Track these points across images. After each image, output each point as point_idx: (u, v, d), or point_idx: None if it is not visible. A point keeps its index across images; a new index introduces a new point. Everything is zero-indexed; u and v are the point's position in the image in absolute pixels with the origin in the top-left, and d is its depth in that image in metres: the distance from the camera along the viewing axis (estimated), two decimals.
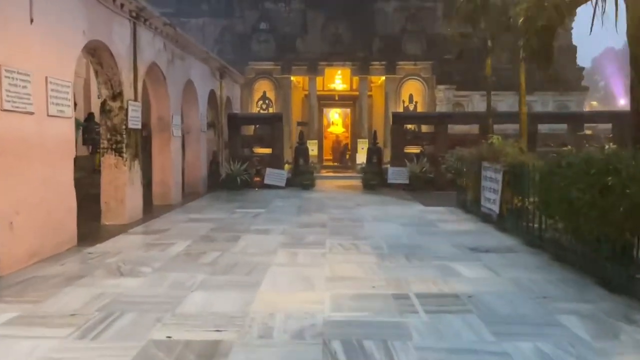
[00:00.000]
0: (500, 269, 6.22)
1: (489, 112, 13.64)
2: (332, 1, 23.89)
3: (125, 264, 6.46)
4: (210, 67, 16.07)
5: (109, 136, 9.36)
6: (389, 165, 17.40)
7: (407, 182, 15.96)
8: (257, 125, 21.09)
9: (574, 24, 29.08)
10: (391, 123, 16.38)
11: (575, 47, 27.75)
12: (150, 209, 11.20)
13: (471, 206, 10.81)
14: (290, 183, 16.21)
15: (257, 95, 24.46)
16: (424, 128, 21.69)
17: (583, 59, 30.79)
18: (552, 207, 6.62)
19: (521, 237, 7.91)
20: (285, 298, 5.11)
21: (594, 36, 8.23)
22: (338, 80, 27.20)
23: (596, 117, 18.72)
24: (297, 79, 25.80)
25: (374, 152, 16.93)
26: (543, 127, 17.57)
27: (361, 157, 23.96)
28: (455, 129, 16.94)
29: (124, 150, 9.40)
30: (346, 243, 7.73)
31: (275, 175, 16.00)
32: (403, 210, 11.54)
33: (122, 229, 8.89)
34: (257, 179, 16.18)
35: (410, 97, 24.42)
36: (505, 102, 27.19)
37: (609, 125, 17.12)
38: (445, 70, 24.31)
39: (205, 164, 15.51)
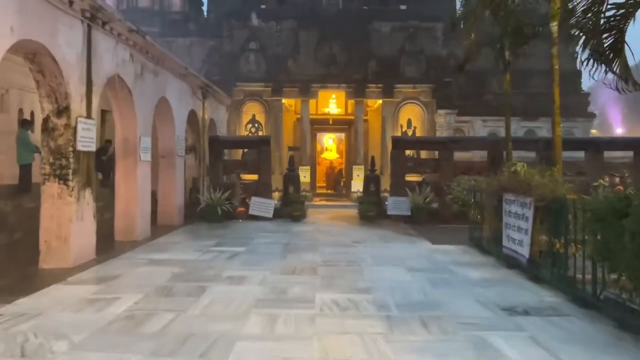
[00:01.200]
0: (556, 346, 4.49)
1: (508, 136, 11.96)
2: (326, 20, 22.64)
3: (38, 335, 4.68)
4: (191, 85, 14.51)
5: (51, 160, 7.66)
6: (387, 195, 15.76)
7: (408, 213, 14.29)
8: (246, 150, 19.53)
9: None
10: (390, 148, 14.78)
11: (579, 72, 26.54)
12: (109, 247, 9.42)
13: (489, 245, 9.13)
14: (278, 214, 14.49)
15: (246, 118, 22.93)
16: (423, 154, 20.18)
17: None
18: (616, 258, 4.95)
19: (564, 292, 6.20)
20: None
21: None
22: (332, 104, 25.77)
23: (614, 143, 17.24)
24: (288, 102, 24.36)
25: (371, 180, 15.30)
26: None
27: (357, 185, 22.38)
28: (460, 155, 15.39)
29: (70, 177, 7.68)
30: (342, 299, 5.98)
31: (261, 205, 14.28)
32: (408, 249, 9.82)
33: (62, 275, 7.11)
34: (241, 209, 14.46)
35: (409, 121, 22.99)
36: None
37: (630, 153, 15.61)
38: (446, 94, 22.94)
39: (181, 192, 13.79)
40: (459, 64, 12.14)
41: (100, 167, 12.15)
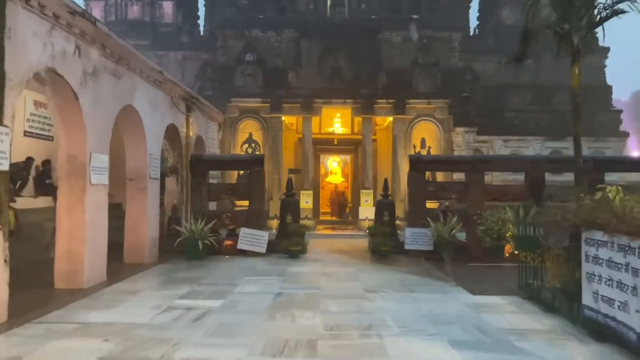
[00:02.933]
0: None
1: (578, 152, 8.88)
2: (331, 30, 20.53)
3: None
4: (169, 94, 12.22)
5: None
6: (403, 225, 13.30)
7: (430, 248, 11.79)
8: (242, 172, 17.20)
9: (606, 61, 25.87)
10: (405, 170, 12.34)
11: (610, 87, 24.31)
12: (37, 301, 6.96)
13: (556, 301, 6.59)
14: (273, 248, 12.02)
15: (242, 137, 20.65)
16: (439, 177, 17.78)
17: None
18: None
19: None
20: None
21: None
22: (337, 123, 23.52)
23: None
24: (289, 120, 22.11)
25: (385, 207, 12.82)
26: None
27: (365, 212, 19.92)
28: (488, 179, 12.93)
29: None
30: None
31: (252, 238, 11.81)
32: (442, 302, 7.29)
33: None
34: (229, 242, 11.99)
35: (423, 141, 20.64)
36: (530, 149, 23.48)
37: None
38: (464, 110, 20.64)
39: (155, 222, 11.36)
40: (515, 55, 9.62)
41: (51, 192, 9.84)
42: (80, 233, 7.98)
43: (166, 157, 13.49)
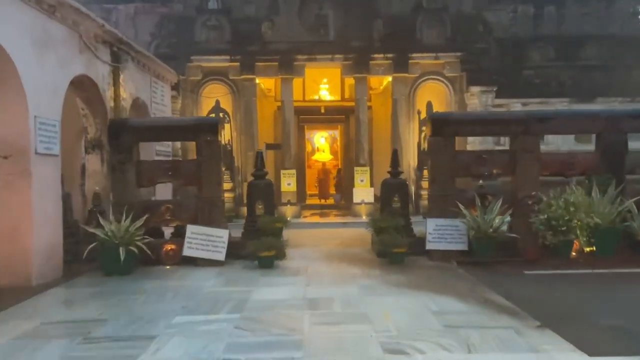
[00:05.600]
0: None
1: None
2: None
3: None
4: (76, 30, 8.24)
5: None
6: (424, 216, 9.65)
7: (463, 247, 8.15)
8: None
9: None
10: (427, 134, 8.49)
11: None
12: None
13: None
14: (236, 252, 8.30)
15: (207, 105, 16.69)
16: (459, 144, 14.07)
17: None
18: None
19: None
20: None
21: None
22: (324, 90, 19.65)
23: None
24: (266, 84, 18.17)
25: (395, 189, 9.06)
26: None
27: (361, 194, 16.24)
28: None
29: None
30: None
31: (203, 241, 8.04)
32: None
33: None
34: (170, 247, 8.20)
35: (429, 105, 16.81)
36: None
37: None
38: (480, 65, 16.85)
39: (54, 221, 7.51)
40: None
41: None
42: None
43: (85, 126, 9.61)
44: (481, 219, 7.93)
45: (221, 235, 8.08)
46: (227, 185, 16.49)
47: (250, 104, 16.62)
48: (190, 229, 8.08)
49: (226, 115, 16.79)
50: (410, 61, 16.46)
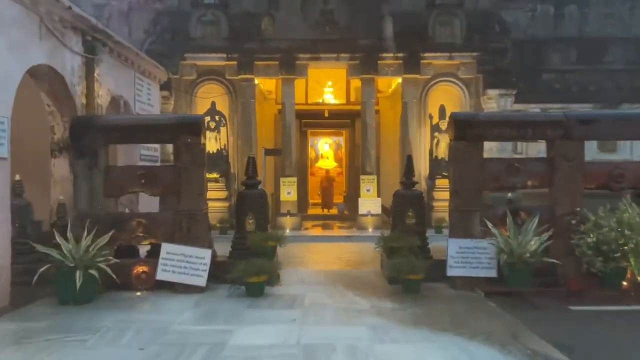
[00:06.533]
0: None
1: None
2: None
3: None
4: (35, 11, 6.98)
5: None
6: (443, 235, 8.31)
7: (492, 274, 6.79)
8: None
9: None
10: (451, 138, 7.13)
11: None
12: None
13: None
14: (221, 276, 6.96)
15: (202, 106, 15.42)
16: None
17: None
18: None
19: None
20: None
21: None
22: (329, 94, 18.42)
23: None
24: (266, 85, 16.94)
25: (409, 202, 7.72)
26: None
27: (366, 204, 14.89)
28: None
29: None
30: None
31: (180, 262, 6.72)
32: None
33: None
34: (142, 268, 6.88)
35: (442, 109, 15.53)
36: None
37: None
38: (498, 66, 15.53)
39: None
40: None
41: None
42: None
43: (51, 124, 8.33)
44: (515, 241, 6.58)
45: (202, 256, 6.75)
46: (221, 194, 15.25)
47: (248, 106, 15.35)
48: (165, 247, 6.75)
49: (222, 118, 15.53)
50: (422, 61, 15.16)
